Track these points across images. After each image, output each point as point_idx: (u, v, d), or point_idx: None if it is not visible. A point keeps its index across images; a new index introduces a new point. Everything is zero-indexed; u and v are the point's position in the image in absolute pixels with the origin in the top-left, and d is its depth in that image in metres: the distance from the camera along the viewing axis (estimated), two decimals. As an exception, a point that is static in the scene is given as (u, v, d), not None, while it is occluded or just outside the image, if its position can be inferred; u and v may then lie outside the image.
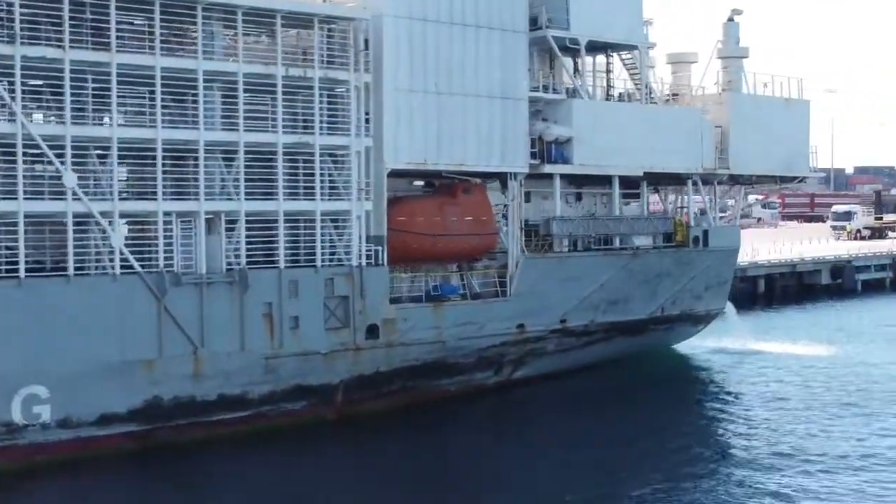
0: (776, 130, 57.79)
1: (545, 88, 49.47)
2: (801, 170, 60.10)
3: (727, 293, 58.61)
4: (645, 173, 53.06)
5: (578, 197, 53.63)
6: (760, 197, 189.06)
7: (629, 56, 53.13)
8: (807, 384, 49.60)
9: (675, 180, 56.20)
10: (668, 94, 56.41)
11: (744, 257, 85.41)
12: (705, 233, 55.34)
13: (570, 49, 50.26)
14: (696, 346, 59.00)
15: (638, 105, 52.76)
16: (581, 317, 50.46)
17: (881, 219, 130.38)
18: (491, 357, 47.26)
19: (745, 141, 56.31)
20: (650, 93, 54.13)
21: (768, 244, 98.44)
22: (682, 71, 58.44)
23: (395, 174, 44.69)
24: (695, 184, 55.63)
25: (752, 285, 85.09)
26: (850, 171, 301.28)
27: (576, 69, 52.77)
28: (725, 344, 59.36)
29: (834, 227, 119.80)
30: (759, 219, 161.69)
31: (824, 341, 60.96)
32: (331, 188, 42.26)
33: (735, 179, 57.96)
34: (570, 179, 52.40)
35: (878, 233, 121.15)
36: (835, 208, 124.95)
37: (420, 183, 47.76)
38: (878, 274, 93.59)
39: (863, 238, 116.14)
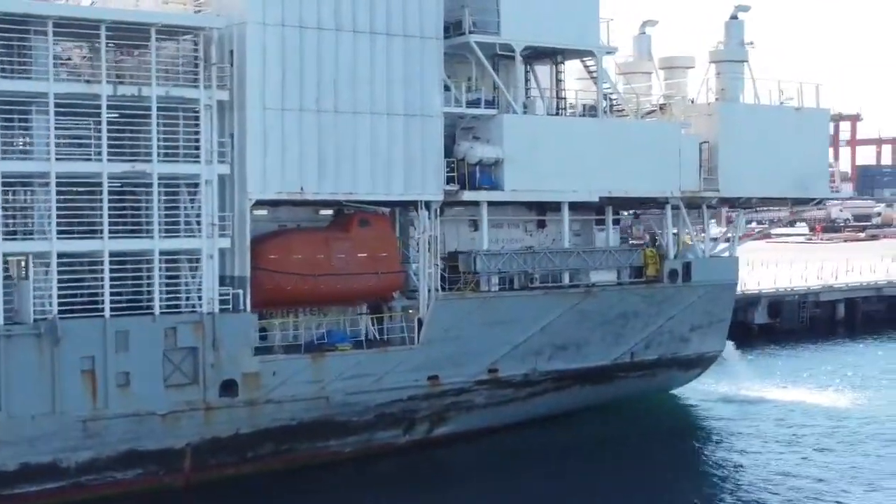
0: (784, 145, 49.56)
1: (475, 102, 42.88)
2: (819, 190, 51.46)
3: (724, 333, 50.63)
4: (610, 199, 45.86)
5: (541, 224, 46.77)
6: None
7: (593, 63, 45.96)
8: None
9: (655, 205, 48.73)
10: (654, 105, 48.88)
11: (818, 279, 77.41)
12: (687, 265, 47.59)
13: (520, 57, 43.43)
14: (698, 392, 51.55)
15: (594, 120, 45.53)
16: (517, 365, 43.67)
17: None
18: (396, 414, 41.01)
19: (739, 158, 48.29)
20: (611, 105, 46.86)
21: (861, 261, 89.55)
22: (677, 78, 50.83)
23: (298, 203, 39.30)
24: (676, 209, 47.99)
25: (829, 311, 76.22)
26: None
27: (527, 79, 46.04)
28: (727, 390, 51.66)
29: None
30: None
31: (858, 386, 52.79)
32: (185, 223, 36.85)
33: (730, 203, 49.90)
34: (530, 206, 45.74)
35: None
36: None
37: (329, 212, 41.89)
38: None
39: None
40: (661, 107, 48.77)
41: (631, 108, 47.33)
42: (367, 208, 40.61)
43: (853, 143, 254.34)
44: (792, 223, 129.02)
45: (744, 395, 50.95)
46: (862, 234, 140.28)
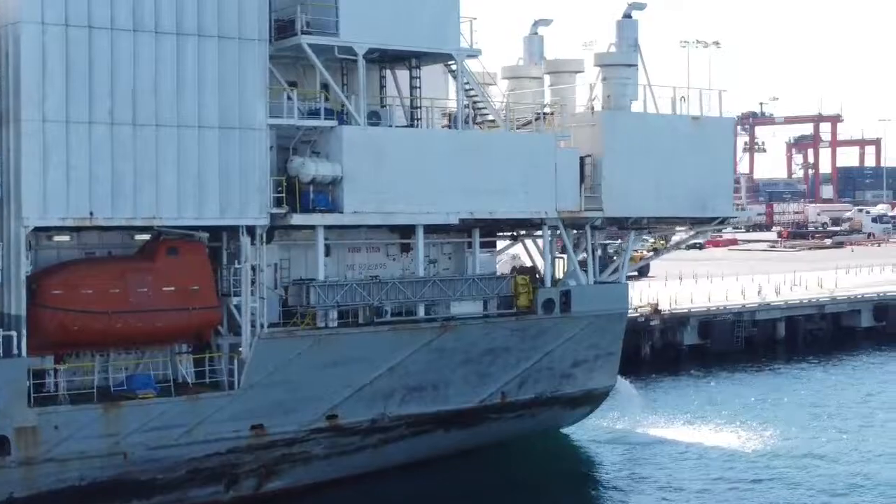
0: (680, 158, 44.42)
1: (315, 113, 37.83)
2: (721, 209, 46.18)
3: (615, 367, 45.53)
4: (473, 220, 40.79)
5: (406, 248, 41.65)
6: (884, 206, 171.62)
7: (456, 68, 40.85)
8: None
9: (530, 227, 43.68)
10: (535, 115, 43.76)
11: (758, 295, 72.34)
12: (565, 294, 42.44)
13: (363, 60, 38.29)
14: (592, 431, 46.68)
15: (452, 132, 40.45)
16: (362, 410, 38.59)
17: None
18: (215, 468, 35.97)
19: (627, 173, 43.15)
20: (474, 115, 41.82)
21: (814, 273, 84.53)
22: (564, 83, 45.76)
23: (106, 228, 34.42)
24: (555, 230, 42.94)
25: (769, 330, 71.07)
26: None
27: (382, 86, 40.99)
28: (624, 427, 46.76)
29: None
30: (871, 234, 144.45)
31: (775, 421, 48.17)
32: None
33: (618, 223, 44.74)
34: (392, 227, 40.68)
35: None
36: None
37: (145, 237, 36.80)
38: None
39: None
40: (543, 116, 43.58)
41: (502, 118, 42.17)
42: (187, 234, 35.68)
43: (833, 144, 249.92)
44: (697, 245, 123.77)
45: (640, 435, 45.96)
46: (828, 242, 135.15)
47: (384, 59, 40.03)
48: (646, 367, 63.84)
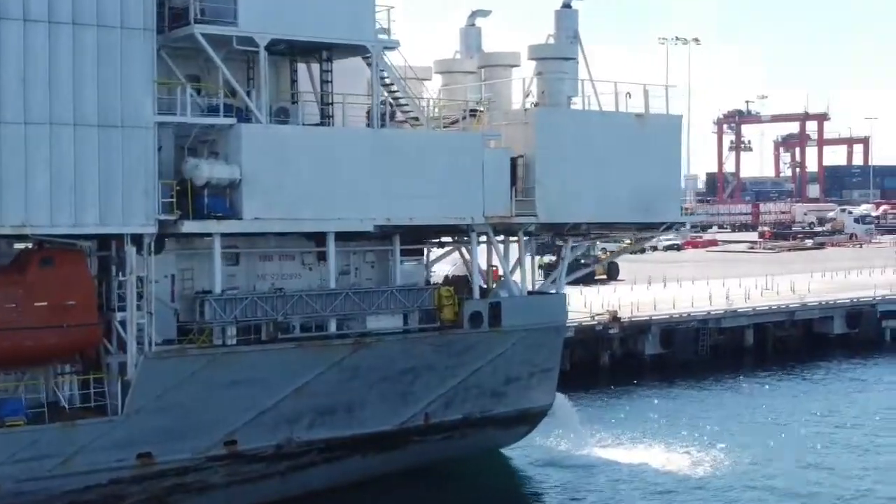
0: (623, 159, 41.15)
1: (214, 109, 34.47)
2: (667, 213, 42.88)
3: (553, 384, 42.25)
4: (392, 227, 37.49)
5: (322, 257, 38.23)
6: (868, 206, 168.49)
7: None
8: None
9: (457, 233, 40.39)
10: (464, 113, 40.40)
11: (726, 300, 68.98)
12: (495, 307, 39.11)
13: (265, 53, 34.93)
14: (529, 451, 43.42)
15: (367, 131, 37.06)
16: (265, 436, 35.25)
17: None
18: (97, 500, 32.63)
19: (563, 175, 39.83)
20: (391, 111, 38.50)
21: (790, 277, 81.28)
22: (500, 78, 42.49)
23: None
24: (484, 236, 39.67)
25: (736, 338, 67.82)
26: None
27: (293, 81, 37.68)
28: (566, 448, 43.51)
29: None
30: (853, 235, 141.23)
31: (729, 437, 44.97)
32: None
33: (555, 230, 41.42)
34: (308, 234, 37.33)
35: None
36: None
37: (26, 246, 33.52)
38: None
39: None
40: (472, 114, 40.24)
41: (425, 116, 38.84)
42: (68, 243, 32.37)
43: (820, 142, 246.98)
44: (675, 246, 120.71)
45: (581, 457, 42.66)
46: (809, 243, 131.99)
47: (293, 51, 36.72)
48: (604, 378, 60.64)
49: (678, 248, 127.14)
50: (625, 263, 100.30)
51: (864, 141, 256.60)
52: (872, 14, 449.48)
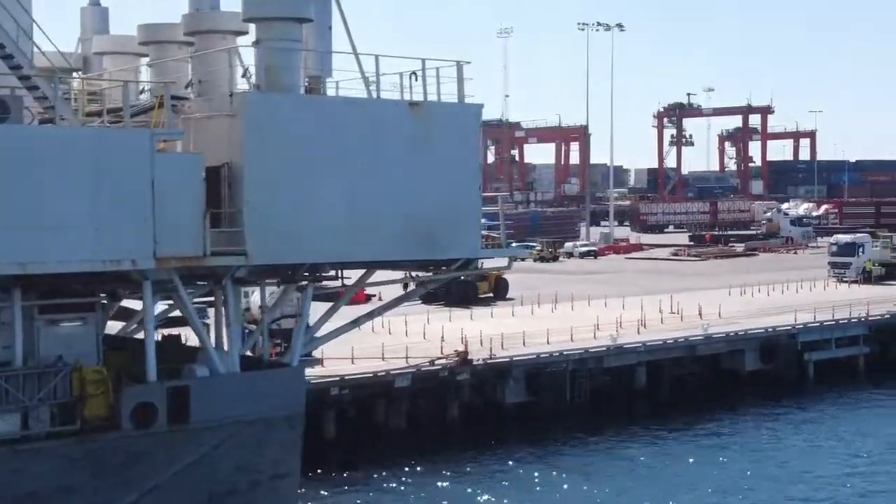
0: (390, 168, 28.06)
1: None
2: (459, 246, 29.56)
3: (292, 494, 29.09)
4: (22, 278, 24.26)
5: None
6: (808, 205, 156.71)
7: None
8: None
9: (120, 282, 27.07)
10: (154, 101, 27.14)
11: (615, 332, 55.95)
12: (178, 393, 25.88)
13: None
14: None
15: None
16: None
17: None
18: None
19: (290, 195, 26.69)
20: None
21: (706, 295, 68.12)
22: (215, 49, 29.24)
23: None
24: (169, 286, 26.41)
25: (624, 380, 54.92)
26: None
27: None
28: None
29: (833, 266, 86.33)
30: (789, 239, 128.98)
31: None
32: None
33: (284, 273, 28.20)
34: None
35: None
36: (836, 238, 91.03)
37: None
38: (842, 351, 62.15)
39: (878, 280, 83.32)
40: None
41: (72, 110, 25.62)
42: None
43: (764, 136, 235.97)
44: (592, 253, 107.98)
45: None
46: (740, 248, 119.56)
47: None
48: (455, 436, 47.80)
49: (594, 254, 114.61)
50: (520, 276, 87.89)
51: (811, 135, 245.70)
52: (816, 4, 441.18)
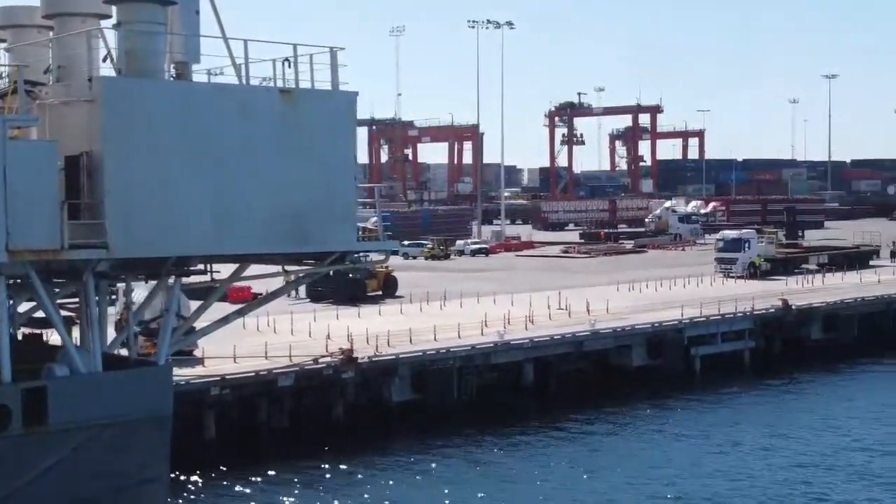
0: (260, 157, 27.03)
1: None
2: (334, 240, 28.69)
3: (162, 502, 27.90)
4: None
5: None
6: (697, 202, 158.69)
7: None
8: None
9: None
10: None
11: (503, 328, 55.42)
12: (35, 394, 24.52)
13: None
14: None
15: None
16: None
17: (795, 245, 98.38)
18: None
19: (153, 184, 25.52)
20: None
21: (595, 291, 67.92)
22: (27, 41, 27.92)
23: None
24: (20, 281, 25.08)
25: (511, 376, 54.46)
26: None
27: None
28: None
29: (720, 262, 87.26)
30: (678, 235, 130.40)
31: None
32: None
33: (149, 267, 27.03)
34: None
35: (788, 265, 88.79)
36: (722, 234, 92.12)
37: None
38: (728, 346, 62.55)
39: (764, 275, 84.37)
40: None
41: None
42: None
43: (654, 135, 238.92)
44: (483, 251, 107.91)
45: None
46: (630, 245, 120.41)
47: None
48: (340, 435, 46.82)
49: (486, 252, 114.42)
50: (410, 274, 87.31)
51: (699, 135, 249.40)
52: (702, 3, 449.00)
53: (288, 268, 29.88)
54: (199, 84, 26.81)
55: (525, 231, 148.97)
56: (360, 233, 29.54)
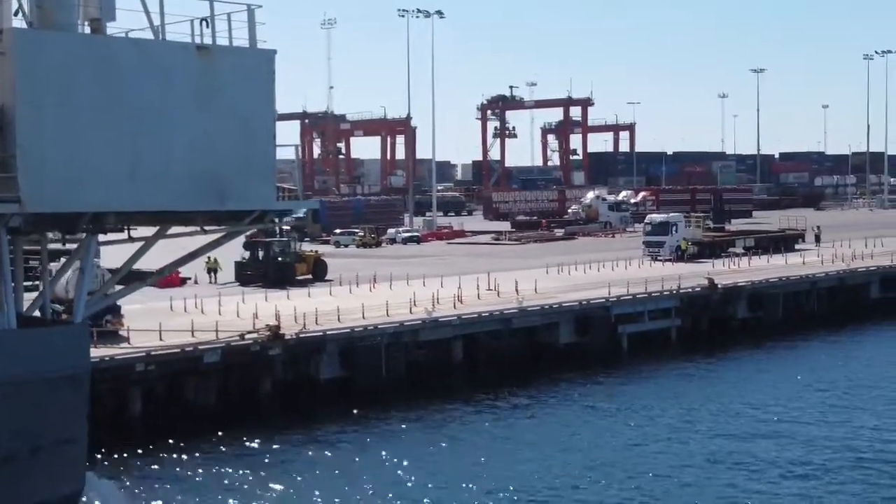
0: (177, 114, 26.86)
1: None
2: (254, 198, 28.63)
3: (80, 462, 27.60)
4: None
5: None
6: (627, 192, 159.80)
7: None
8: None
9: None
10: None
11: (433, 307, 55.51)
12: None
13: None
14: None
15: None
16: None
17: (722, 229, 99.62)
18: None
19: (67, 138, 25.24)
20: None
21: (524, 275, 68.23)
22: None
23: None
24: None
25: (441, 353, 54.53)
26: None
27: None
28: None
29: (648, 245, 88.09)
30: (608, 224, 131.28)
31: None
32: None
33: (63, 223, 26.77)
34: None
35: (715, 248, 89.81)
36: (650, 217, 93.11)
37: None
38: (654, 324, 63.14)
39: (691, 258, 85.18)
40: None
41: None
42: None
43: (584, 128, 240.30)
44: (414, 239, 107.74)
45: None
46: (560, 233, 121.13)
47: None
48: (267, 412, 46.64)
49: (417, 240, 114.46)
50: (341, 260, 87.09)
51: (630, 128, 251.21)
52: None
53: (207, 227, 29.65)
54: (114, 38, 26.57)
55: (471, 222, 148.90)
56: (280, 192, 29.39)
